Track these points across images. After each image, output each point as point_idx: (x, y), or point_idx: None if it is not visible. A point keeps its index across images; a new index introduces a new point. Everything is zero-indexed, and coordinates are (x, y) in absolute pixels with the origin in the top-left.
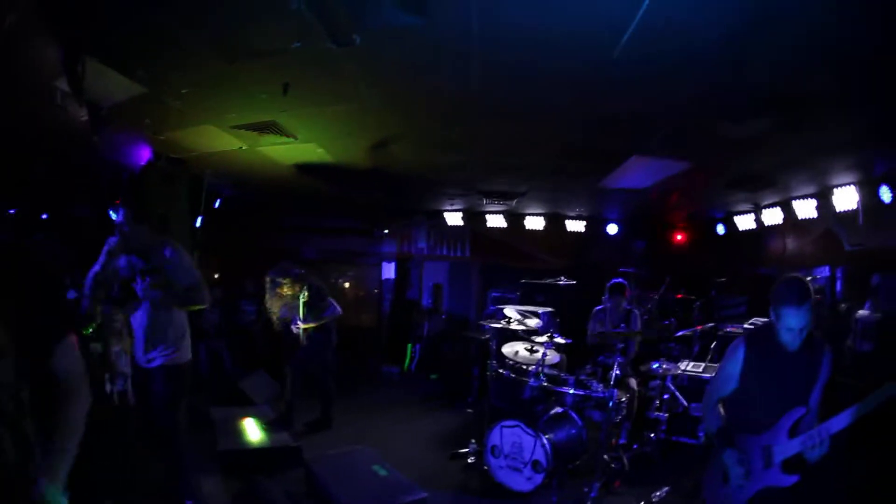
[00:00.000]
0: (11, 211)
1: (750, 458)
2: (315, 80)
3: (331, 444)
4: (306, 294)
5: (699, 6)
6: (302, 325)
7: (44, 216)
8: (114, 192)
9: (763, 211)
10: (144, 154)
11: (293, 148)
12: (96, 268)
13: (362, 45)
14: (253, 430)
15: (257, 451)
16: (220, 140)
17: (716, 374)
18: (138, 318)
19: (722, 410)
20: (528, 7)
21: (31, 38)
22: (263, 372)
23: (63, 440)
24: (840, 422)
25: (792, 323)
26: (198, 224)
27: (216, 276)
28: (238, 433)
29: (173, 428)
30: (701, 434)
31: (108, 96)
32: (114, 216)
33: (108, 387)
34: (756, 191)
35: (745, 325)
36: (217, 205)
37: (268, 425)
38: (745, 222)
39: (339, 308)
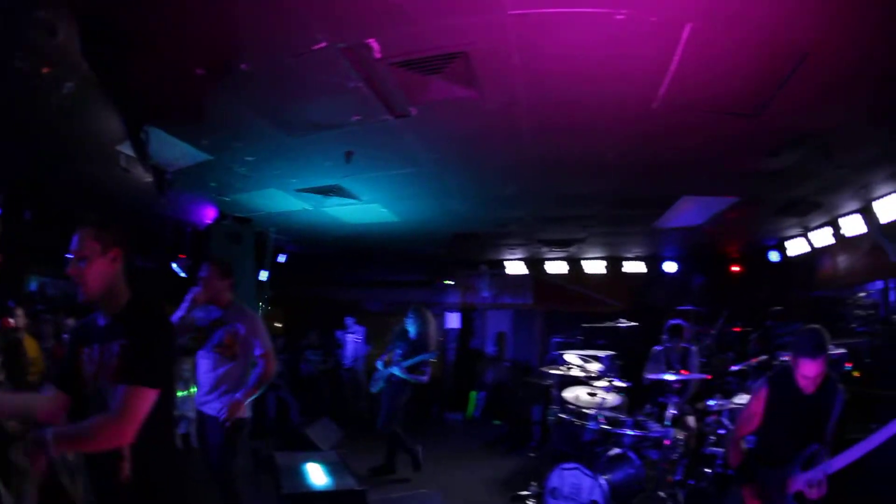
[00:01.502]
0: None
1: (769, 492)
2: (376, 148)
3: (395, 489)
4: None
5: (723, 55)
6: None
7: None
8: (177, 248)
9: (812, 233)
10: (209, 213)
11: (357, 208)
12: (180, 313)
13: (419, 116)
14: (317, 474)
15: (321, 494)
16: (284, 202)
17: (741, 411)
18: (203, 366)
19: (744, 446)
20: (567, 73)
21: (91, 105)
22: (328, 419)
23: None
24: (839, 462)
25: (807, 372)
26: (263, 278)
27: (278, 325)
28: (302, 476)
29: (229, 478)
30: None
31: (174, 161)
32: (199, 271)
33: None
34: (804, 214)
35: None
36: (283, 259)
37: (332, 468)
38: (796, 247)
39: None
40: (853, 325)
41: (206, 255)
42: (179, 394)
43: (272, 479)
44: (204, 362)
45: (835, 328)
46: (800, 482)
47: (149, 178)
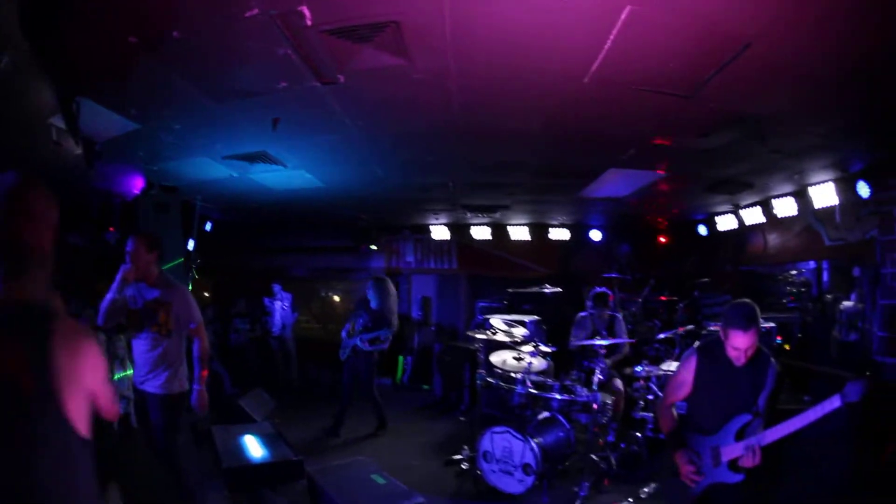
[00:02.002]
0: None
1: (700, 457)
2: (302, 114)
3: (330, 456)
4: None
5: (662, 39)
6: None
7: None
8: (106, 220)
9: (743, 210)
10: (137, 184)
11: (283, 174)
12: (112, 295)
13: (346, 83)
14: (254, 446)
15: (261, 467)
16: (211, 169)
17: (670, 380)
18: (139, 346)
19: (675, 412)
20: (501, 45)
21: (26, 79)
22: (261, 389)
23: None
24: (773, 434)
25: (738, 343)
26: (190, 247)
27: (206, 294)
28: (240, 449)
29: (172, 453)
30: None
31: (103, 132)
32: (127, 245)
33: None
34: (735, 193)
35: None
36: (208, 228)
37: (267, 439)
38: (726, 222)
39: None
40: (784, 301)
41: (134, 226)
42: (116, 376)
43: (211, 453)
44: (140, 342)
45: (764, 303)
46: (737, 449)
47: (79, 151)
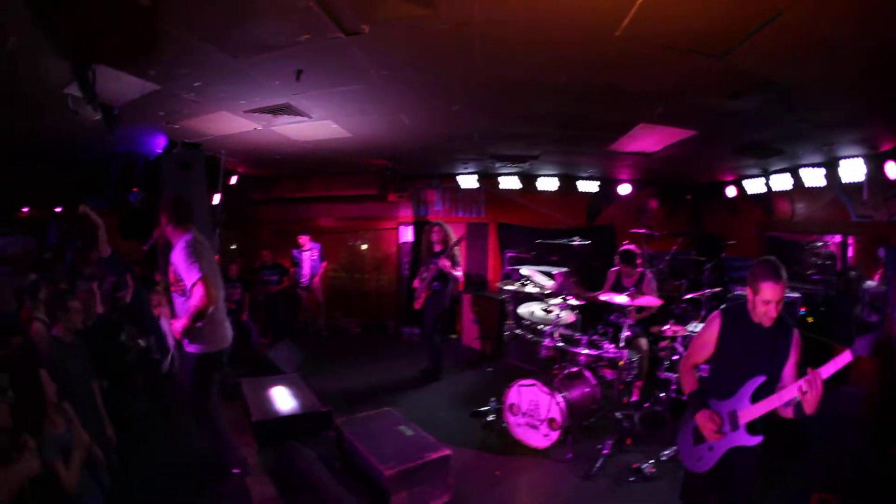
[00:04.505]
0: (25, 209)
1: (721, 420)
2: (326, 65)
3: (359, 408)
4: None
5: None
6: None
7: (57, 209)
8: (128, 181)
9: (772, 176)
10: (159, 143)
11: (308, 126)
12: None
13: (371, 34)
14: (283, 398)
15: (289, 419)
16: (234, 123)
17: (693, 339)
18: (177, 303)
19: (697, 374)
20: None
21: (37, 54)
22: (289, 341)
23: None
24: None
25: (769, 295)
26: (216, 202)
27: (232, 247)
28: (269, 402)
29: (206, 408)
30: None
31: (121, 96)
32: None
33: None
34: (764, 157)
35: None
36: (233, 182)
37: (296, 391)
38: (754, 186)
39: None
40: (809, 272)
41: (158, 185)
42: None
43: (241, 406)
44: (177, 300)
45: (788, 272)
46: (754, 411)
47: (97, 117)
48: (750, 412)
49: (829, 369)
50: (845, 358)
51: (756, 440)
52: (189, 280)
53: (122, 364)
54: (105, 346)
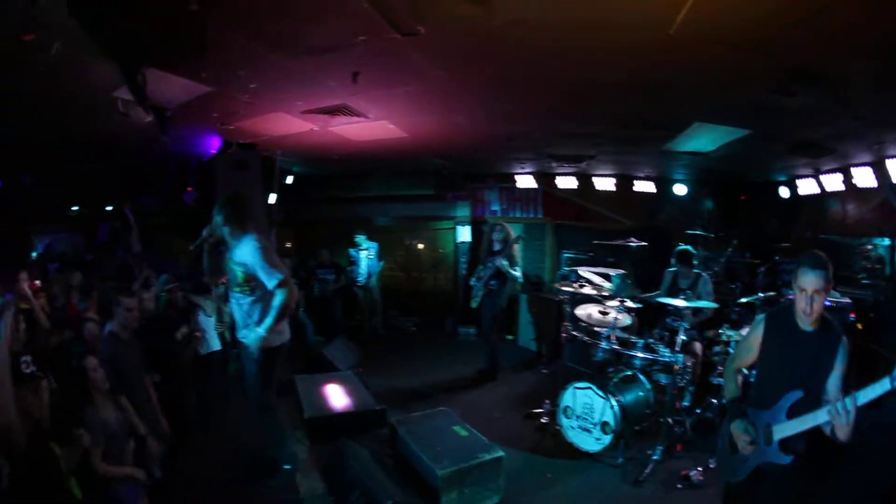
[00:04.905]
0: (74, 208)
1: (756, 432)
2: (383, 66)
3: (413, 406)
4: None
5: None
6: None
7: (108, 208)
8: (182, 181)
9: (823, 176)
10: (214, 143)
11: (364, 126)
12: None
13: (426, 34)
14: (337, 395)
15: (342, 416)
16: (291, 124)
17: (739, 343)
18: (235, 299)
19: (740, 380)
20: None
21: (83, 58)
22: (345, 338)
23: None
24: (867, 394)
25: (805, 283)
26: (271, 201)
27: (287, 245)
28: (322, 398)
29: (265, 403)
30: None
31: (173, 98)
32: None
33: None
34: (816, 156)
35: None
36: (289, 181)
37: (351, 389)
38: (807, 186)
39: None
40: (859, 276)
41: (212, 185)
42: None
43: (294, 402)
44: (233, 298)
45: (840, 276)
46: (787, 428)
47: (149, 119)
48: (783, 429)
49: (867, 395)
50: (884, 386)
51: (787, 459)
52: (270, 281)
53: (175, 359)
54: (159, 342)
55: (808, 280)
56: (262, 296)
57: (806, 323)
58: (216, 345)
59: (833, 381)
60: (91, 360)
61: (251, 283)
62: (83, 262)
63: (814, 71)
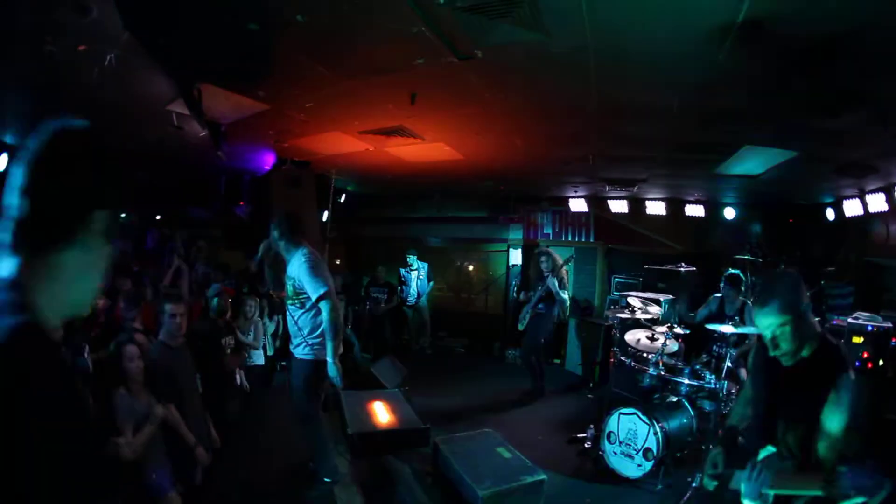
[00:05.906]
0: (122, 214)
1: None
2: (440, 89)
3: (457, 427)
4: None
5: (792, 15)
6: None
7: (157, 217)
8: (234, 195)
9: (868, 196)
10: (268, 160)
11: (420, 147)
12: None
13: (485, 58)
14: (382, 413)
15: (386, 433)
16: (347, 143)
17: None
18: (289, 312)
19: (744, 409)
20: (635, 23)
21: (138, 70)
22: (393, 357)
23: None
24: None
25: (760, 326)
26: (324, 218)
27: (338, 262)
28: (367, 415)
29: (310, 415)
30: None
31: (228, 114)
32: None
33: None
34: (860, 176)
35: (850, 320)
36: (343, 199)
37: (396, 407)
38: (852, 208)
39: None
40: None
41: (267, 200)
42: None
43: (338, 417)
44: (290, 308)
45: (884, 299)
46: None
47: (203, 133)
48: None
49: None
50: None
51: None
52: (314, 291)
53: (221, 368)
54: (207, 350)
55: (761, 323)
56: (311, 310)
57: (785, 358)
58: (259, 360)
59: (828, 416)
60: (131, 349)
61: (300, 296)
62: (131, 270)
63: (859, 92)
